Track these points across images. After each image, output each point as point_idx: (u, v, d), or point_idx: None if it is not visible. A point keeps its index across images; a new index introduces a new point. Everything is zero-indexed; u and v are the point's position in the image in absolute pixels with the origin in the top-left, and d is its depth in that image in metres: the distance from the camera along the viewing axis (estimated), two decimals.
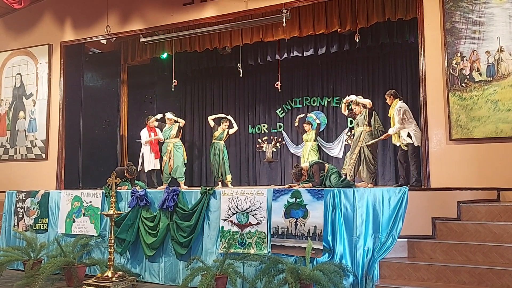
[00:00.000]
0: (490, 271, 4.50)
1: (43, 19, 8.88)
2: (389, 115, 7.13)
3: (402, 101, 6.84)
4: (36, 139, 8.65)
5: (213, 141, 8.95)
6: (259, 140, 10.86)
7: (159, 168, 8.64)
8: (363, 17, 7.62)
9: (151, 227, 6.05)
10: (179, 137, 8.72)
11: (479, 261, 4.77)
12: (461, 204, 5.35)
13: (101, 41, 8.78)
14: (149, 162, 8.54)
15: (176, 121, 8.69)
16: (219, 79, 11.43)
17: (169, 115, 8.72)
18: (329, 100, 10.31)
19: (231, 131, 9.06)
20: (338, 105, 10.19)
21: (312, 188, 5.49)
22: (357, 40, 7.60)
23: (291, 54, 9.55)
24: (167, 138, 8.58)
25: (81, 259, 6.21)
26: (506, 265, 4.60)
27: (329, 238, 5.07)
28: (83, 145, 8.84)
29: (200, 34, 8.30)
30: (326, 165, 6.31)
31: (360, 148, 7.06)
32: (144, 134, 8.69)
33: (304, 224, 5.14)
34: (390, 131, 6.78)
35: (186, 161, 8.82)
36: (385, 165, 9.44)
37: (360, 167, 7.05)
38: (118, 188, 6.69)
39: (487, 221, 5.14)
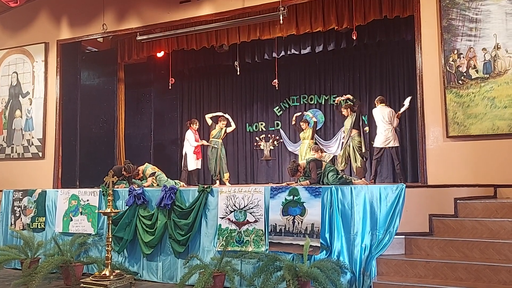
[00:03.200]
0: (487, 267, 4.52)
1: (39, 17, 8.84)
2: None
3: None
4: (32, 137, 8.62)
5: (211, 139, 8.95)
6: (257, 138, 10.86)
7: (200, 167, 9.27)
8: (360, 14, 7.61)
9: (148, 226, 6.05)
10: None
11: (476, 257, 4.79)
12: (458, 201, 5.36)
13: (98, 39, 8.75)
14: (192, 162, 9.01)
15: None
16: (216, 77, 11.42)
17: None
18: (326, 98, 10.31)
19: (229, 129, 9.07)
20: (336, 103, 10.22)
21: (310, 186, 5.49)
22: (354, 38, 7.60)
23: (288, 52, 9.56)
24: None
25: (79, 257, 6.20)
26: (503, 261, 4.62)
27: (327, 235, 5.08)
28: (80, 143, 8.82)
29: (197, 32, 8.28)
30: (323, 163, 6.32)
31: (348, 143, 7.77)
32: (191, 136, 9.04)
33: (302, 222, 5.15)
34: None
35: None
36: (383, 163, 9.44)
37: (353, 161, 7.66)
38: (116, 186, 6.69)
39: (484, 218, 5.16)
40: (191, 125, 9.16)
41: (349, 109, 7.99)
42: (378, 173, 8.01)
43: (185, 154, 9.12)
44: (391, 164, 9.39)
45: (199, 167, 9.30)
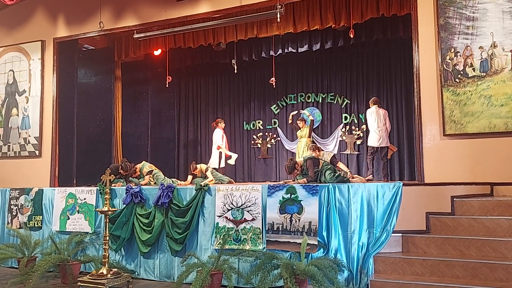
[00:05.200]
0: (484, 265, 4.54)
1: (36, 15, 8.80)
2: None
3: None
4: (29, 136, 8.59)
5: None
6: (254, 137, 10.86)
7: (224, 165, 9.20)
8: (358, 13, 7.62)
9: (146, 224, 6.04)
10: None
11: (473, 255, 4.81)
12: (454, 199, 5.38)
13: (94, 37, 8.71)
14: (216, 161, 9.06)
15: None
16: (213, 75, 11.40)
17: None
18: (323, 96, 10.32)
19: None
20: (333, 101, 10.23)
21: (307, 184, 5.50)
22: (352, 36, 7.60)
23: (286, 50, 9.55)
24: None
25: (76, 256, 6.20)
26: (500, 259, 4.64)
27: (324, 233, 5.09)
28: (77, 142, 8.79)
29: (194, 30, 8.25)
30: (321, 161, 6.32)
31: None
32: (218, 135, 9.10)
33: (299, 220, 5.16)
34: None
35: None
36: (380, 161, 9.46)
37: None
38: (113, 185, 6.68)
39: (481, 216, 5.17)
40: (218, 124, 9.22)
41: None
42: (374, 170, 8.13)
43: (220, 153, 9.15)
44: (388, 162, 9.40)
45: (223, 166, 9.21)
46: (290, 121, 9.12)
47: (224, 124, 9.39)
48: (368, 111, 7.93)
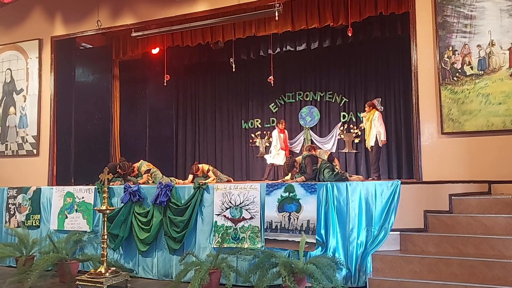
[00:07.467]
0: (482, 263, 4.55)
1: (33, 13, 8.77)
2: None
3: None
4: (27, 135, 8.56)
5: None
6: (252, 135, 10.86)
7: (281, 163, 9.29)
8: (356, 11, 7.61)
9: (144, 223, 6.04)
10: None
11: (471, 253, 4.82)
12: (452, 197, 5.39)
13: (92, 35, 8.67)
14: (274, 158, 9.37)
15: None
16: (211, 74, 11.40)
17: None
18: (322, 95, 10.33)
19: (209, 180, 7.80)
20: (331, 100, 10.24)
21: (305, 182, 5.50)
22: (350, 34, 7.60)
23: (284, 49, 9.55)
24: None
25: (74, 255, 6.20)
26: (497, 257, 4.65)
27: (322, 231, 5.10)
28: (75, 140, 8.76)
29: (192, 28, 8.23)
30: (319, 159, 6.32)
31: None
32: (276, 135, 9.37)
33: (297, 218, 5.17)
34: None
35: None
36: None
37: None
38: (111, 183, 6.67)
39: (479, 214, 5.19)
40: (278, 125, 9.45)
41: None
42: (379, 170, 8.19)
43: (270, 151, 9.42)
44: (386, 161, 9.44)
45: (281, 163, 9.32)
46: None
47: (283, 126, 9.60)
48: (374, 116, 7.92)
